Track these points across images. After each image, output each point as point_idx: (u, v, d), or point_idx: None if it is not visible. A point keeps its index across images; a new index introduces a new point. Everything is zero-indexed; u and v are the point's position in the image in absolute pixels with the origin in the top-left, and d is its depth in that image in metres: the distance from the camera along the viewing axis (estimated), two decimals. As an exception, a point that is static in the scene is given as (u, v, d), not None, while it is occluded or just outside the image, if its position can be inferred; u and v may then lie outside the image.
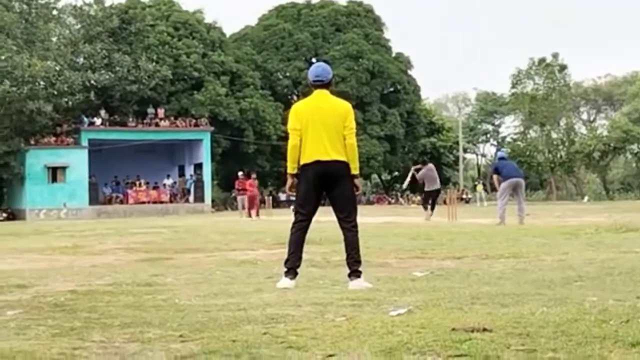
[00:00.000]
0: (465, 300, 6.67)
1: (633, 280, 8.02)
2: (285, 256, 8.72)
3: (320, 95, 8.81)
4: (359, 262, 8.51)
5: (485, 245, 13.33)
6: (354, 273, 8.44)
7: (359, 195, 10.36)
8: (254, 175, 42.52)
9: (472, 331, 5.20)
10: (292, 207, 9.36)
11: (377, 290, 7.73)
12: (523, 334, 5.09)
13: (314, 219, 8.81)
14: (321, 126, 8.58)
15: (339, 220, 8.73)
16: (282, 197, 63.56)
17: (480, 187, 67.02)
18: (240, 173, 42.70)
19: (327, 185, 8.67)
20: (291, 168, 8.90)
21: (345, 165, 8.61)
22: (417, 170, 30.33)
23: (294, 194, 9.29)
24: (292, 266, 8.60)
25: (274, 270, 9.95)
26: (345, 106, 8.80)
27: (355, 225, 8.67)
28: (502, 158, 25.37)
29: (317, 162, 8.57)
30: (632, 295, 6.68)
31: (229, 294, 7.77)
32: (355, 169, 8.71)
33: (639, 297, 6.57)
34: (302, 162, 8.69)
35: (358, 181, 8.88)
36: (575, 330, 5.16)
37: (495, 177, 23.87)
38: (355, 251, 8.52)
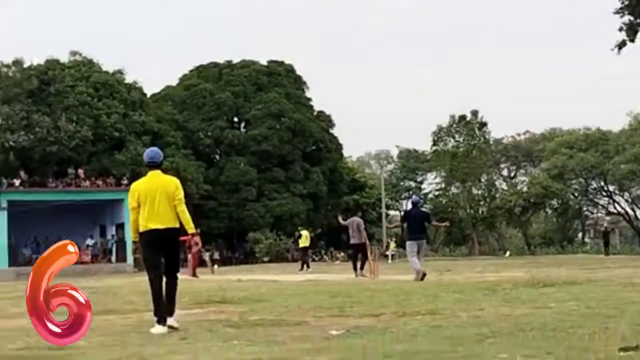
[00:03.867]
0: (377, 359, 6.66)
1: (544, 335, 8.09)
2: (154, 309, 10.45)
3: (154, 175, 10.98)
4: (174, 307, 10.56)
5: (403, 302, 13.34)
6: (168, 314, 10.37)
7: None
8: (197, 230, 40.07)
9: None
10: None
11: (291, 350, 7.69)
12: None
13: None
14: (154, 201, 10.70)
15: (167, 272, 10.67)
16: (205, 256, 62.95)
17: (392, 245, 67.33)
18: None
19: (161, 247, 10.72)
20: (133, 237, 10.94)
21: (175, 230, 10.80)
22: (345, 218, 31.09)
23: (139, 255, 11.52)
24: (160, 317, 10.30)
25: (190, 332, 9.96)
26: (175, 182, 11.02)
27: (177, 278, 10.77)
28: (415, 204, 24.91)
29: (152, 230, 10.64)
30: (541, 352, 6.73)
31: (142, 356, 7.68)
32: (190, 229, 10.97)
33: (548, 353, 6.62)
34: (141, 230, 10.78)
35: (197, 238, 11.44)
36: (482, 387, 5.19)
37: (398, 223, 24.65)
38: (172, 299, 10.57)
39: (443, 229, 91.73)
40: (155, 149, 11.59)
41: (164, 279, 10.63)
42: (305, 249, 42.55)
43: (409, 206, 25.52)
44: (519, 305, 12.11)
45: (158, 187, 10.83)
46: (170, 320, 10.31)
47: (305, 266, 40.09)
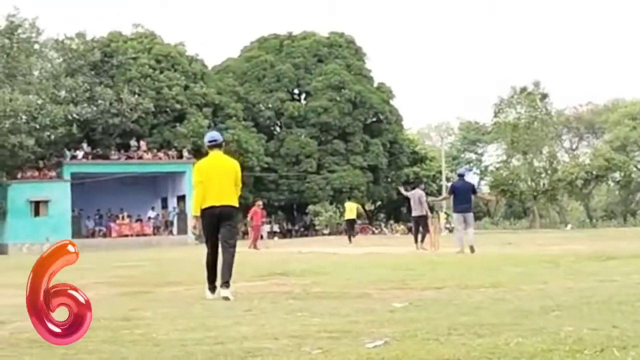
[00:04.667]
0: (442, 331, 6.66)
1: (610, 309, 8.03)
2: (206, 276, 11.44)
3: (216, 155, 11.76)
4: (230, 276, 11.15)
5: (466, 275, 13.32)
6: (225, 284, 11.07)
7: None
8: (259, 203, 38.89)
9: (447, 363, 5.21)
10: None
11: (356, 322, 7.71)
12: (497, 365, 5.08)
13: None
14: (217, 179, 11.46)
15: (223, 243, 11.38)
16: (267, 228, 63.03)
17: (443, 216, 66.92)
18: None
19: (219, 222, 11.42)
20: (195, 211, 11.63)
21: (233, 207, 11.57)
22: (406, 190, 31.92)
23: (197, 231, 12.57)
24: (212, 285, 11.34)
25: (253, 303, 10.00)
26: (236, 165, 11.85)
27: (233, 247, 11.41)
28: (461, 176, 25.54)
29: (213, 207, 11.39)
30: (607, 324, 6.69)
31: (207, 327, 7.74)
32: None
33: (614, 326, 6.57)
34: (203, 207, 11.48)
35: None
36: (549, 360, 5.17)
37: (446, 195, 26.81)
38: (229, 269, 11.16)
39: (503, 202, 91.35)
40: (214, 132, 12.67)
41: (220, 251, 11.40)
42: (350, 221, 42.49)
43: (456, 178, 26.26)
44: (582, 279, 12.05)
45: (220, 166, 11.63)
46: (225, 292, 10.99)
47: (350, 238, 40.16)
